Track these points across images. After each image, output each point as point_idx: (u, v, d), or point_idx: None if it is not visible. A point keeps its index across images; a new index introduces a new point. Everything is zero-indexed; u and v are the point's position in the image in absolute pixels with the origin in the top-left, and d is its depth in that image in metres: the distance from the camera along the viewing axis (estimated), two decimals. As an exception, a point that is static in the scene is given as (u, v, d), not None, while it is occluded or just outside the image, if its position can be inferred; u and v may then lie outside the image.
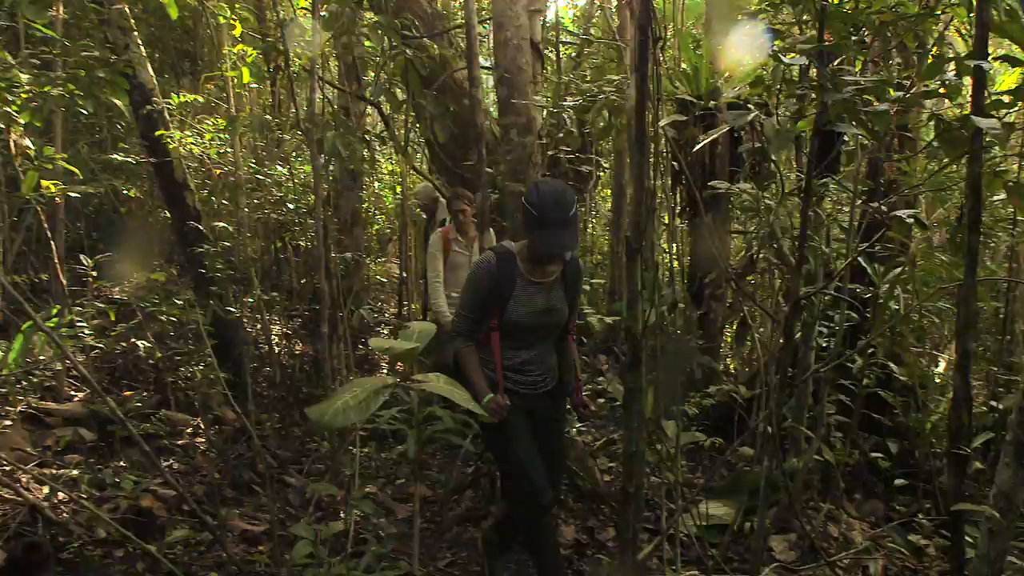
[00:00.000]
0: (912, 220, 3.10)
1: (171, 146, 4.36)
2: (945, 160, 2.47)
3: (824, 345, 4.21)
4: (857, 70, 3.64)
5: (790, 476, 3.86)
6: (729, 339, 6.79)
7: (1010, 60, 1.95)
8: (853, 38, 2.77)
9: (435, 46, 4.95)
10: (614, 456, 5.31)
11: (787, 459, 4.19)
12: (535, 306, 2.94)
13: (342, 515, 3.48)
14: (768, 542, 3.97)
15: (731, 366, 6.99)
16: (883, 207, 3.98)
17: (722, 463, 4.91)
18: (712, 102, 4.93)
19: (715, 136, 2.42)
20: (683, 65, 5.65)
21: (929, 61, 2.43)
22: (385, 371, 6.42)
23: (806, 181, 2.02)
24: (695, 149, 2.83)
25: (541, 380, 3.09)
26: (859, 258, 4.14)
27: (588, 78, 4.68)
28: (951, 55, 2.79)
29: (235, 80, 4.88)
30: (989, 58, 2.05)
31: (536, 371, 3.08)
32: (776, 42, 1.90)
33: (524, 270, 2.95)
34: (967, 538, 2.37)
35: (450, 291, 4.81)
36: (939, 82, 2.01)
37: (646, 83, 1.42)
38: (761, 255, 3.63)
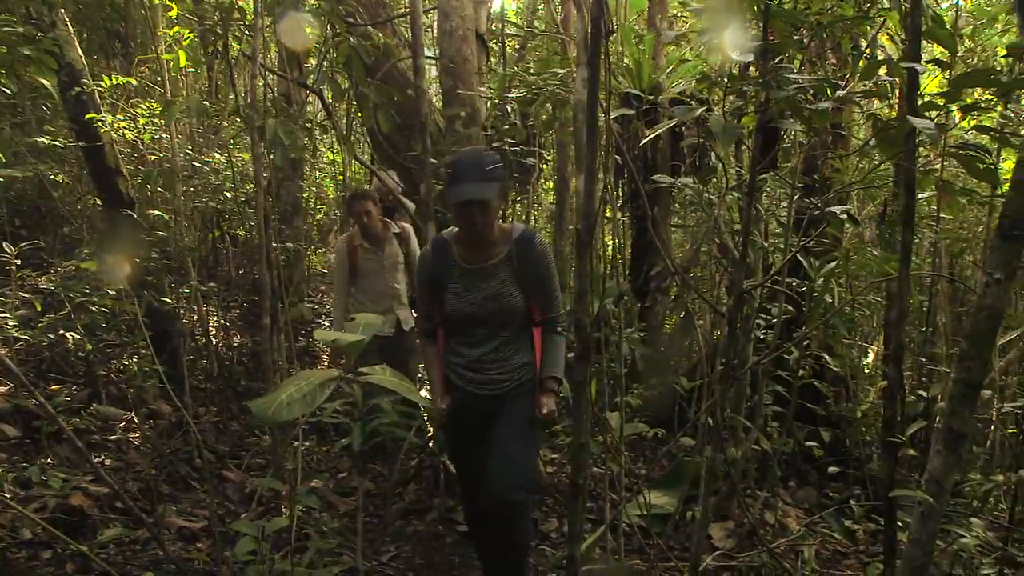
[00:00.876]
0: (844, 216, 3.22)
1: (102, 130, 4.19)
2: (877, 158, 2.56)
3: (761, 337, 4.34)
4: (796, 68, 3.74)
5: (730, 465, 3.96)
6: (668, 330, 6.92)
7: (939, 63, 2.02)
8: (798, 36, 2.85)
9: (379, 34, 4.88)
10: (556, 448, 5.36)
11: (726, 449, 4.31)
12: (476, 295, 2.73)
13: (284, 510, 3.42)
14: (708, 530, 4.08)
15: (672, 358, 7.14)
16: (817, 203, 4.12)
17: (665, 453, 5.02)
18: (653, 97, 4.99)
19: (659, 131, 2.46)
20: (626, 60, 5.70)
21: (862, 63, 2.52)
22: (327, 364, 6.33)
23: (751, 177, 2.06)
24: (640, 144, 2.86)
25: (503, 380, 2.81)
26: (796, 252, 4.28)
27: (532, 70, 4.69)
28: (882, 57, 2.90)
29: (171, 64, 4.72)
30: (921, 61, 2.13)
31: (495, 370, 2.81)
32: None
33: (459, 256, 2.76)
34: (898, 522, 2.47)
35: (365, 299, 4.57)
36: (872, 83, 2.08)
37: (597, 76, 1.42)
38: (704, 249, 3.70)
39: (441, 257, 2.77)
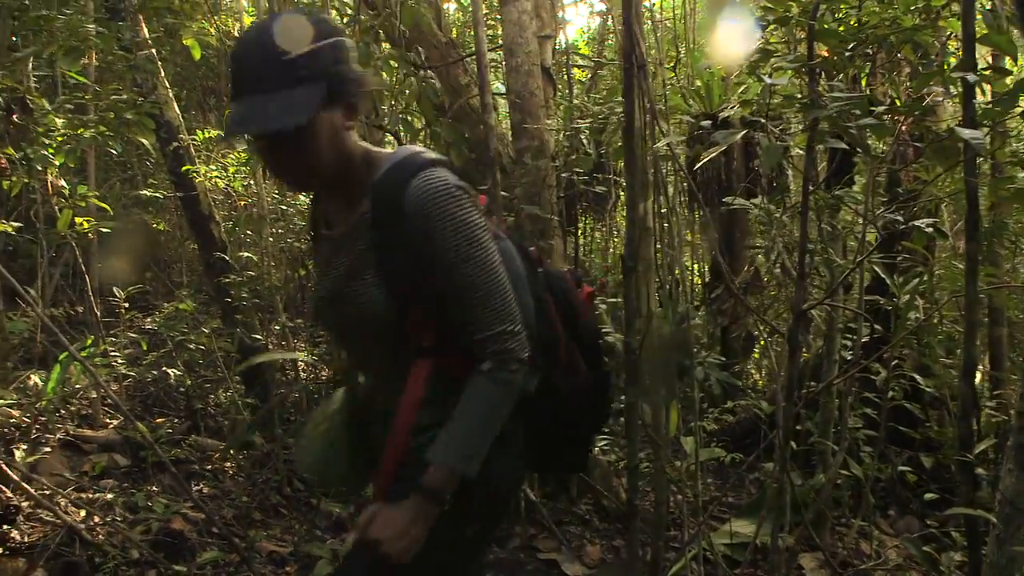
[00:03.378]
0: (931, 229, 3.12)
1: (197, 180, 4.53)
2: (939, 170, 2.50)
3: (848, 358, 4.20)
4: (864, 84, 3.68)
5: (816, 492, 3.84)
6: (757, 355, 6.77)
7: (1000, 71, 1.98)
8: (850, 52, 2.82)
9: (450, 74, 5.08)
10: (641, 474, 5.30)
11: (815, 475, 4.18)
12: (324, 284, 1.58)
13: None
14: (797, 560, 3.95)
15: (759, 381, 6.96)
16: (899, 217, 4.00)
17: (749, 480, 4.90)
18: (725, 118, 4.98)
19: (714, 153, 2.49)
20: (696, 82, 5.72)
21: (922, 72, 2.47)
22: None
23: (803, 195, 2.06)
24: (696, 167, 2.88)
25: (381, 433, 1.59)
26: (878, 269, 4.14)
27: (600, 100, 4.75)
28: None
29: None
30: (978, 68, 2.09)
31: (377, 426, 1.63)
32: (764, 61, 1.96)
33: (323, 208, 1.64)
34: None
35: None
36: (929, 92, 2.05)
37: (633, 108, 1.48)
38: (776, 269, 3.65)
39: (314, 207, 1.70)
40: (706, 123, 2.65)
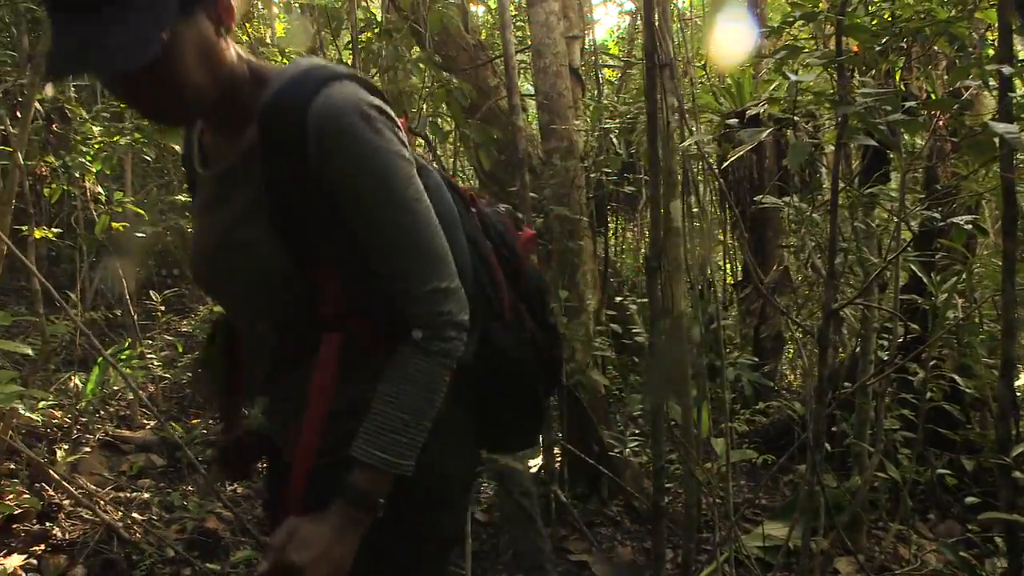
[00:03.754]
0: (970, 226, 3.04)
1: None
2: (977, 166, 2.44)
3: (885, 359, 4.11)
4: (898, 79, 3.61)
5: (851, 494, 3.78)
6: (790, 355, 6.68)
7: (1038, 63, 1.93)
8: (883, 47, 2.77)
9: (479, 76, 5.10)
10: (672, 476, 5.26)
11: (851, 477, 4.10)
12: (203, 238, 1.27)
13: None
14: (832, 564, 3.88)
15: (793, 382, 6.86)
16: (936, 214, 3.91)
17: (783, 482, 4.83)
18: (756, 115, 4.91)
19: (742, 151, 2.45)
20: (727, 80, 5.66)
21: (958, 66, 2.42)
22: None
23: (832, 193, 2.03)
24: (723, 166, 2.84)
25: (286, 426, 1.31)
26: (915, 268, 4.06)
27: (629, 100, 4.72)
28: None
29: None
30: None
31: (279, 414, 1.36)
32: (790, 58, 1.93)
33: (198, 146, 1.32)
34: None
35: None
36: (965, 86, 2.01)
37: (655, 108, 1.47)
38: (807, 268, 3.59)
39: (188, 146, 1.37)
40: (732, 121, 2.60)
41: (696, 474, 3.37)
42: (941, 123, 3.63)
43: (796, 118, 1.92)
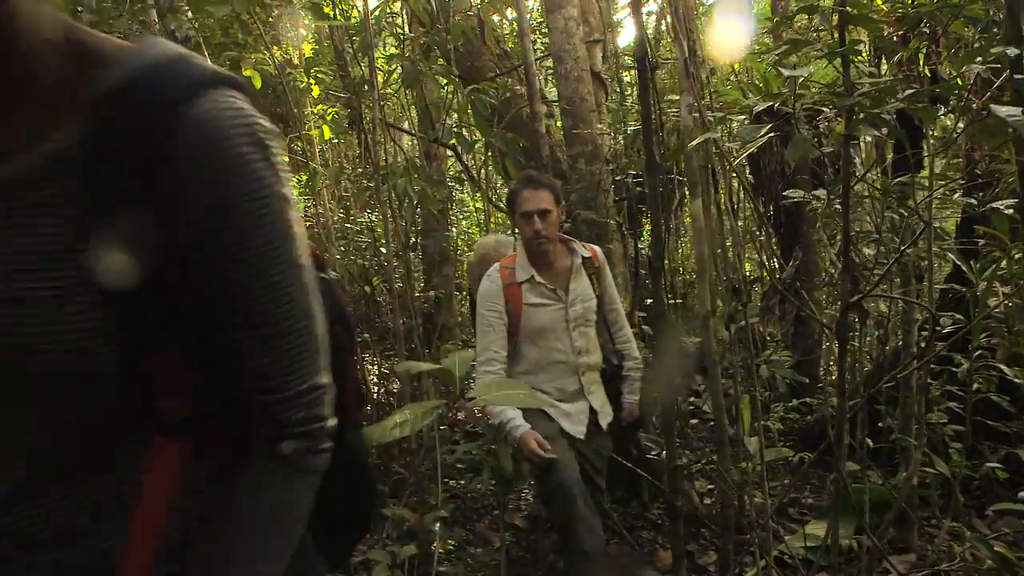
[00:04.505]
0: (1012, 211, 2.95)
1: (264, 204, 4.71)
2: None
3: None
4: (922, 64, 3.52)
5: (896, 490, 3.69)
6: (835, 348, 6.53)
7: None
8: (903, 33, 2.71)
9: (500, 85, 5.13)
10: (713, 478, 5.19)
11: (898, 473, 4.01)
12: None
13: (430, 542, 3.59)
14: (880, 562, 3.79)
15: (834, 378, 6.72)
16: (973, 200, 3.81)
17: (829, 481, 4.73)
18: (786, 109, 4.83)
19: (751, 149, 2.41)
20: (755, 78, 5.58)
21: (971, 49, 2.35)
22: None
23: (843, 187, 2.00)
24: (736, 161, 2.81)
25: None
26: (953, 256, 3.95)
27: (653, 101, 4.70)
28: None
29: (317, 137, 5.24)
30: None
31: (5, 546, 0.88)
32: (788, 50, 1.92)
33: None
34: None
35: (536, 378, 3.10)
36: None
37: (648, 111, 1.48)
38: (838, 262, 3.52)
39: None
40: (740, 118, 2.58)
41: (730, 474, 3.34)
42: (975, 107, 3.54)
43: (797, 113, 1.90)
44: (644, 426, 4.08)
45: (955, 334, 3.77)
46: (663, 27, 7.70)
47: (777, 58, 1.89)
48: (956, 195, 4.40)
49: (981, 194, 4.06)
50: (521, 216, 2.98)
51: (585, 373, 3.09)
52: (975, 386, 3.91)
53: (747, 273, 5.58)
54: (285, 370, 0.85)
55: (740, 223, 5.79)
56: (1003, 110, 1.54)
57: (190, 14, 3.76)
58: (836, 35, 2.04)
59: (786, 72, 1.60)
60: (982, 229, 3.72)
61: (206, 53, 4.70)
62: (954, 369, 4.00)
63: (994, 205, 3.41)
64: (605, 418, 3.18)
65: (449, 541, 3.56)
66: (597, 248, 3.21)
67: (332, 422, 0.91)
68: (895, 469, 4.12)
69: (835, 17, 2.08)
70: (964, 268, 4.00)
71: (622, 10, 7.26)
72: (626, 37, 10.33)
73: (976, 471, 4.18)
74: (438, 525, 2.69)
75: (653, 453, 4.33)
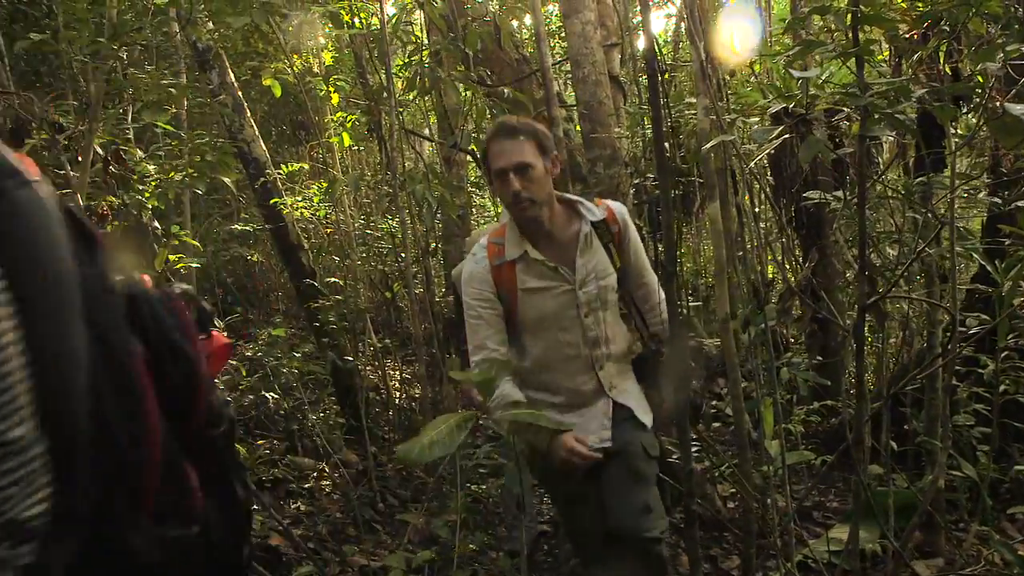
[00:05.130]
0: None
1: (285, 211, 4.78)
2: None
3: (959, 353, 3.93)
4: (942, 63, 3.48)
5: (921, 493, 3.64)
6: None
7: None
8: (924, 32, 2.69)
9: (524, 90, 5.15)
10: (736, 482, 5.14)
11: (924, 476, 3.95)
12: None
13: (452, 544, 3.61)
14: (908, 566, 3.74)
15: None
16: (998, 199, 3.74)
17: (853, 485, 4.66)
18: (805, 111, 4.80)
19: (766, 151, 2.40)
20: (774, 79, 5.54)
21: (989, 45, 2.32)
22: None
23: (859, 188, 1.99)
24: (751, 163, 2.79)
25: None
26: (977, 256, 3.89)
27: (672, 104, 4.68)
28: None
29: (337, 145, 5.29)
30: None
31: None
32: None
33: None
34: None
35: (539, 379, 2.52)
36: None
37: (659, 114, 1.48)
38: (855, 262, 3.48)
39: None
40: (756, 120, 2.54)
41: (751, 477, 3.31)
42: (998, 105, 3.49)
43: (812, 114, 1.89)
44: (666, 428, 4.06)
45: (980, 335, 3.71)
46: (682, 29, 7.69)
47: (789, 59, 1.89)
48: (981, 194, 4.34)
49: (1007, 193, 4.00)
50: (495, 176, 2.33)
51: (604, 367, 2.46)
52: (1002, 387, 3.85)
53: (768, 275, 5.53)
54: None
55: (761, 225, 5.75)
56: (1018, 108, 1.52)
57: (211, 25, 3.82)
58: (850, 35, 2.03)
59: (796, 73, 1.60)
60: (1008, 228, 3.67)
61: (228, 65, 4.78)
62: (980, 370, 3.94)
63: (1020, 204, 3.35)
64: (643, 415, 2.53)
65: (471, 545, 3.56)
66: (615, 205, 2.42)
67: (25, 506, 0.64)
68: (921, 472, 4.06)
69: (849, 17, 2.07)
70: (989, 268, 3.94)
71: (639, 14, 7.25)
72: (643, 40, 10.29)
73: (1005, 474, 4.11)
74: (451, 529, 2.69)
75: (676, 457, 4.31)
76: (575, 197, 2.46)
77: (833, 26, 2.23)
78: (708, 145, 2.24)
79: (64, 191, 2.89)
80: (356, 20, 4.80)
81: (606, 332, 2.46)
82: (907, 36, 2.36)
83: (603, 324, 2.44)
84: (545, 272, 2.38)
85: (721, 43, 3.14)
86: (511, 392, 2.30)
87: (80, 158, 2.91)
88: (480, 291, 2.41)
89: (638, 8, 7.35)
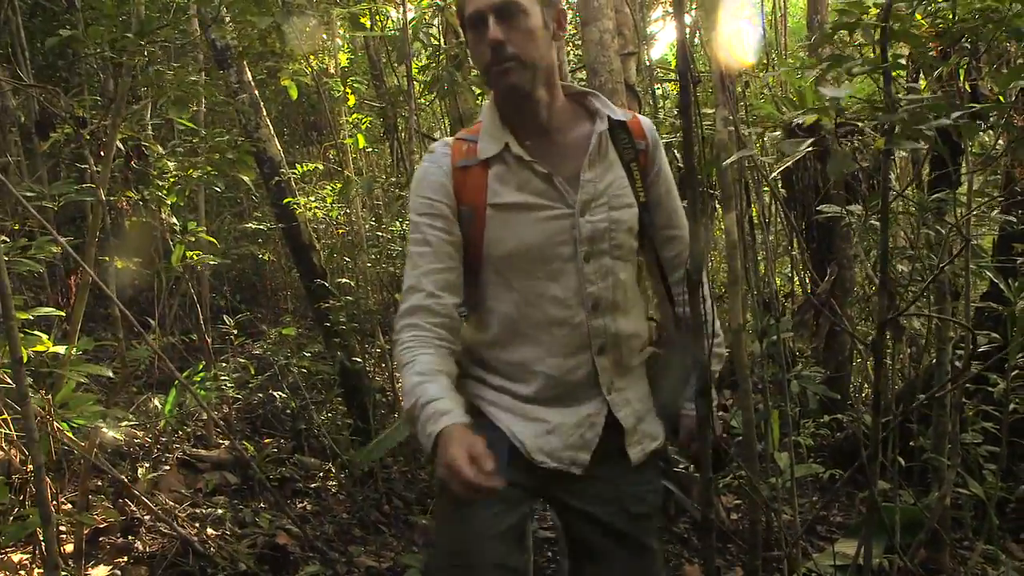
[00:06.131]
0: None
1: (298, 211, 4.79)
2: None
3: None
4: (963, 80, 3.49)
5: (927, 510, 3.63)
6: (867, 365, 6.45)
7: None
8: (945, 49, 2.70)
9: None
10: (741, 493, 5.14)
11: (930, 493, 3.95)
12: None
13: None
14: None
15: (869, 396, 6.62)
16: (1012, 218, 3.75)
17: (859, 499, 4.66)
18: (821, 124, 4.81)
19: (788, 163, 2.41)
20: (790, 92, 5.55)
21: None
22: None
23: (882, 202, 1.99)
24: (771, 176, 2.80)
25: None
26: (990, 274, 3.90)
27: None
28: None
29: (351, 146, 5.31)
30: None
31: None
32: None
33: None
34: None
35: (512, 349, 1.75)
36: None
37: (691, 123, 1.49)
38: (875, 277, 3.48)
39: None
40: (775, 133, 2.54)
41: (758, 489, 3.31)
42: (1018, 123, 3.50)
43: (838, 129, 1.89)
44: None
45: (991, 353, 3.70)
46: (696, 39, 7.70)
47: (819, 74, 1.89)
48: (994, 212, 4.35)
49: (1020, 211, 4.01)
50: (469, 26, 1.60)
51: (606, 351, 1.66)
52: (1011, 406, 3.85)
53: (778, 287, 5.54)
54: None
55: (771, 237, 5.75)
56: (1048, 128, 1.53)
57: (232, 24, 3.85)
58: (877, 50, 2.04)
59: (827, 92, 1.60)
60: (1021, 247, 3.68)
61: (245, 64, 4.80)
62: (990, 388, 3.94)
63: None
64: (646, 441, 1.80)
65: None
66: (643, 119, 1.76)
67: None
68: (927, 489, 4.06)
69: (878, 32, 2.08)
70: (1002, 286, 3.94)
71: (655, 23, 7.27)
72: (659, 49, 10.34)
73: (1011, 493, 4.11)
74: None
75: (682, 466, 4.30)
76: (587, 89, 1.76)
77: (862, 39, 2.25)
78: (731, 159, 2.25)
79: (86, 184, 2.91)
80: (373, 23, 4.82)
81: (615, 295, 1.66)
82: (932, 52, 2.37)
83: (612, 279, 1.65)
84: (532, 181, 1.61)
85: (736, 54, 3.15)
86: (434, 391, 1.48)
87: (103, 153, 2.92)
88: (431, 203, 1.63)
89: (653, 18, 7.37)
